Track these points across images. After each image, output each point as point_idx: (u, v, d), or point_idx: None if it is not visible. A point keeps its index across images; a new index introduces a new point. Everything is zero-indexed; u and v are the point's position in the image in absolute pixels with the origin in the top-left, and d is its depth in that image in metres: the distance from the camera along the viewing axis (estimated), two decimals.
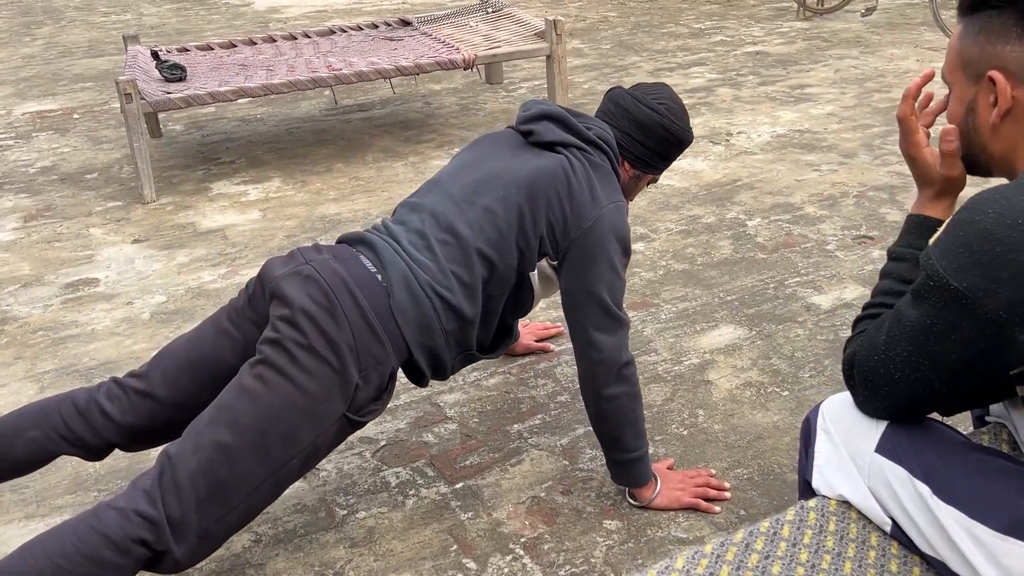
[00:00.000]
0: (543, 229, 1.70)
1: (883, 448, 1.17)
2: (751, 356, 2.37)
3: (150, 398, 1.63)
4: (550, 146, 1.75)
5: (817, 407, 1.29)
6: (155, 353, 1.74)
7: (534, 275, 1.79)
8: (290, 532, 1.83)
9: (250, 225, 3.33)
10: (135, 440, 1.65)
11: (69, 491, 1.96)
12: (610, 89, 1.91)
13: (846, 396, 1.25)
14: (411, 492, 1.93)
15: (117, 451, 1.83)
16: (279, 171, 3.88)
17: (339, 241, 1.74)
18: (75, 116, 4.85)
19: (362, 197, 3.55)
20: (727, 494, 1.86)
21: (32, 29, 7.80)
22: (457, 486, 1.94)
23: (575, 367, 1.80)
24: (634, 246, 3.03)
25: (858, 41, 5.79)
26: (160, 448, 1.76)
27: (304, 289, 1.55)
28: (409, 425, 2.15)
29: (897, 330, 1.11)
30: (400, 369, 1.66)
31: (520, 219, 1.68)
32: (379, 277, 1.61)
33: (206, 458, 1.44)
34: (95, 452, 1.65)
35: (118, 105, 4.89)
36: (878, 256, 2.88)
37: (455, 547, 1.76)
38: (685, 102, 4.62)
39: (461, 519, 1.84)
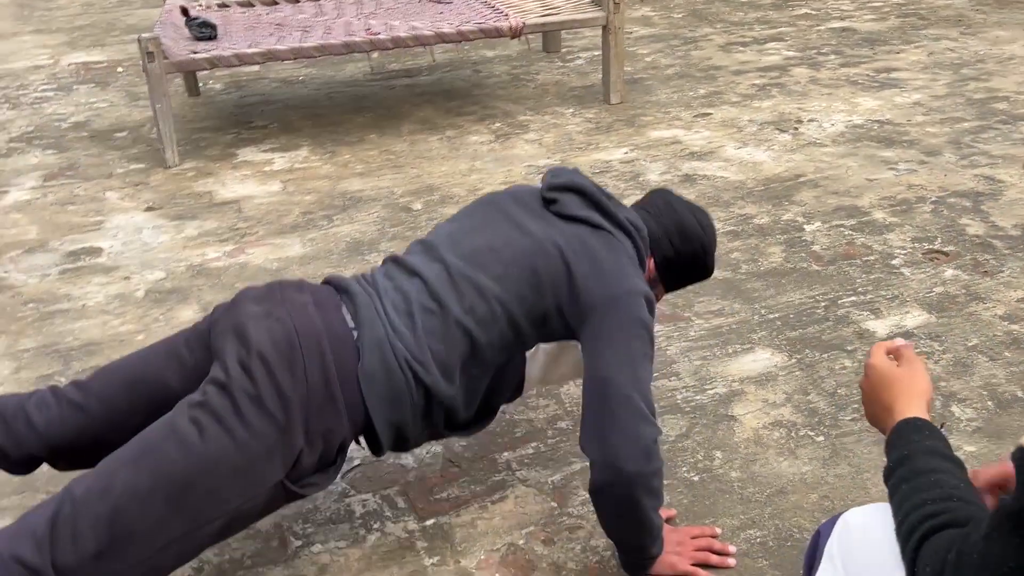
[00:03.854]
0: (547, 311, 1.47)
1: None
2: (786, 389, 2.08)
3: (82, 412, 1.47)
4: (571, 219, 1.53)
5: (834, 520, 1.01)
6: (101, 366, 1.58)
7: (534, 355, 1.54)
8: (236, 562, 1.65)
9: (268, 198, 3.16)
10: (59, 456, 1.49)
11: (17, 491, 1.83)
12: (658, 188, 1.74)
13: (873, 512, 0.97)
14: (375, 526, 1.72)
15: None
16: (309, 139, 3.69)
17: (325, 281, 1.55)
18: (119, 69, 4.75)
19: (389, 173, 3.33)
20: (731, 560, 1.61)
21: None
22: (428, 523, 1.72)
23: (582, 387, 1.60)
24: None
25: (960, 20, 5.24)
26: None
27: (269, 332, 1.37)
28: None
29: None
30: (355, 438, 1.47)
31: (519, 299, 1.46)
32: (355, 335, 1.42)
33: (115, 505, 1.26)
34: (17, 464, 1.49)
35: None
36: (950, 277, 2.52)
37: None
38: (755, 82, 4.24)
39: (425, 564, 1.63)
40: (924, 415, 1.03)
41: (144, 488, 1.26)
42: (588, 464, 1.47)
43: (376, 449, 1.50)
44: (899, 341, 1.12)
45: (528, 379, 1.57)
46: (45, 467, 1.86)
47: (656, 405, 2.02)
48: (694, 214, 1.68)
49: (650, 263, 1.66)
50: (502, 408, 2.03)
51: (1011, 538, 0.76)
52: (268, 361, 1.33)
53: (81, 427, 1.47)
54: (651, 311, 1.51)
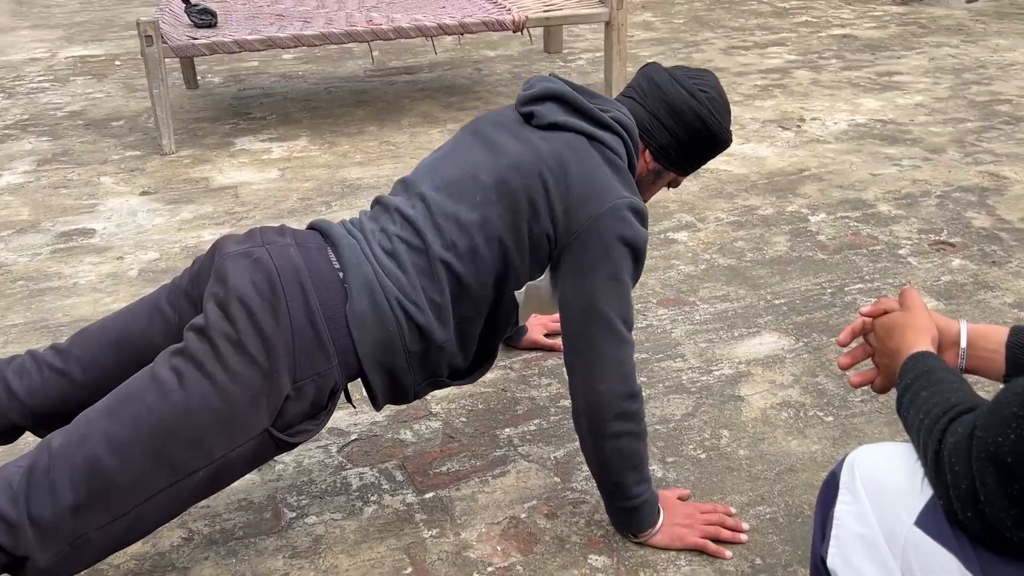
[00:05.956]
0: (528, 237, 1.41)
1: (926, 521, 0.85)
2: (794, 371, 2.03)
3: (64, 377, 1.41)
4: (552, 128, 1.46)
5: (842, 461, 0.97)
6: (81, 328, 1.51)
7: (520, 293, 1.49)
8: (227, 532, 1.59)
9: (265, 184, 3.11)
10: (43, 425, 1.42)
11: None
12: (646, 64, 1.59)
13: (878, 446, 0.93)
14: (373, 498, 1.66)
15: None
16: (309, 130, 3.65)
17: (309, 227, 1.49)
18: (116, 63, 4.72)
19: (389, 163, 3.29)
20: (743, 536, 1.55)
21: None
22: (427, 496, 1.67)
23: (559, 310, 1.57)
24: (677, 235, 2.70)
25: (960, 29, 5.26)
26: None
27: (249, 273, 1.31)
28: (388, 419, 1.89)
29: None
30: (346, 388, 1.41)
31: (499, 229, 1.40)
32: (341, 275, 1.36)
33: (93, 454, 1.20)
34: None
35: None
36: (957, 266, 2.48)
37: (409, 570, 1.50)
38: (757, 83, 4.22)
39: (423, 536, 1.57)
40: (931, 349, 1.04)
41: (123, 438, 1.20)
42: None
43: (372, 400, 1.44)
44: (908, 288, 1.15)
45: (522, 315, 1.51)
46: (30, 436, 1.80)
47: (660, 385, 1.99)
48: (681, 84, 1.49)
49: (644, 157, 1.54)
50: (502, 386, 1.99)
51: None
52: (248, 304, 1.27)
53: (64, 394, 1.41)
54: (639, 218, 1.41)
